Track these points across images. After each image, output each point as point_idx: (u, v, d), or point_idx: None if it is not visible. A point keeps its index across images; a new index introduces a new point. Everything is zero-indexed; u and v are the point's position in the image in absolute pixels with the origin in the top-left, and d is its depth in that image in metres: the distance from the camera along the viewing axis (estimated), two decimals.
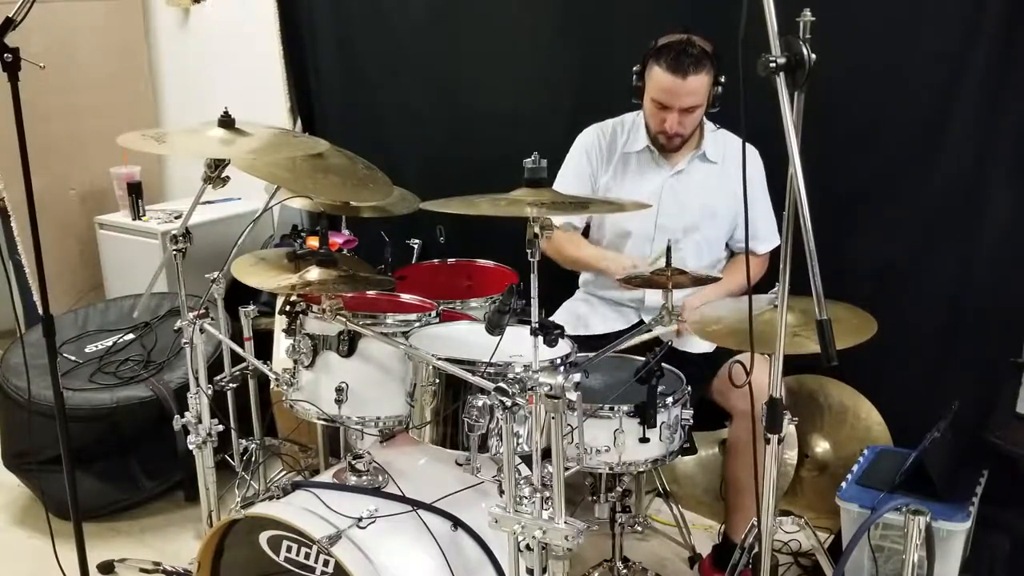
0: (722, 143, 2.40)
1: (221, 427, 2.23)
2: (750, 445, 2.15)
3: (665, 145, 2.37)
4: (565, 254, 2.48)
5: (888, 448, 2.48)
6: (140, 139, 1.86)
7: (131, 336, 3.00)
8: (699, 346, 2.27)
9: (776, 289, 1.51)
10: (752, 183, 2.33)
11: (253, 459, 2.58)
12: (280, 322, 2.26)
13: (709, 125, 2.40)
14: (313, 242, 2.37)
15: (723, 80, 2.25)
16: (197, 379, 2.18)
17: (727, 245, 2.48)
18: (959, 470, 2.23)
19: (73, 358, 2.90)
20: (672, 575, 2.53)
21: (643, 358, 1.95)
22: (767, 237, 2.39)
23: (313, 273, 1.96)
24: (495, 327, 1.59)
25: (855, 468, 2.35)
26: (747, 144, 2.35)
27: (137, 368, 2.88)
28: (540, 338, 1.56)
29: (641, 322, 2.43)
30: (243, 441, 2.53)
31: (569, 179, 2.47)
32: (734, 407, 2.25)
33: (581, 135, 2.52)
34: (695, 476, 2.85)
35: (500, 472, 1.70)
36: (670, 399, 1.92)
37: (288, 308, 2.04)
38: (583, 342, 2.13)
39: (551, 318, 1.63)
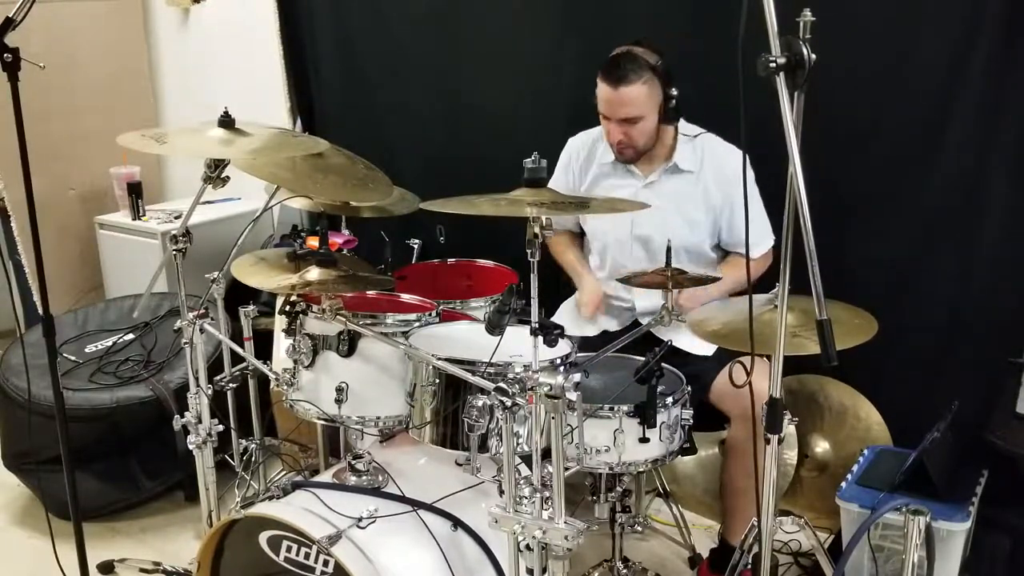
0: (700, 150, 2.37)
1: (221, 427, 2.23)
2: (748, 448, 2.16)
3: (619, 157, 2.37)
4: (551, 251, 2.53)
5: (888, 448, 2.48)
6: (140, 139, 1.87)
7: (131, 336, 3.00)
8: (699, 347, 2.26)
9: (776, 289, 1.51)
10: (738, 186, 2.32)
11: (253, 459, 2.58)
12: (280, 322, 2.26)
13: (686, 133, 2.38)
14: (313, 242, 2.37)
15: (675, 93, 2.24)
16: (197, 379, 2.18)
17: (720, 247, 2.47)
18: (959, 470, 2.23)
19: (73, 358, 2.90)
20: (672, 575, 2.53)
21: (643, 358, 1.95)
22: (758, 241, 2.36)
23: (313, 273, 1.96)
24: (495, 327, 1.60)
25: (855, 468, 2.35)
26: (732, 146, 2.34)
27: (137, 368, 2.88)
28: (540, 338, 1.56)
29: (636, 323, 2.43)
30: (243, 441, 2.53)
31: (557, 187, 2.47)
32: (732, 410, 2.25)
33: (568, 143, 2.54)
34: (695, 476, 2.85)
35: (500, 472, 1.70)
36: (670, 399, 1.92)
37: (288, 308, 2.04)
38: (580, 343, 2.13)
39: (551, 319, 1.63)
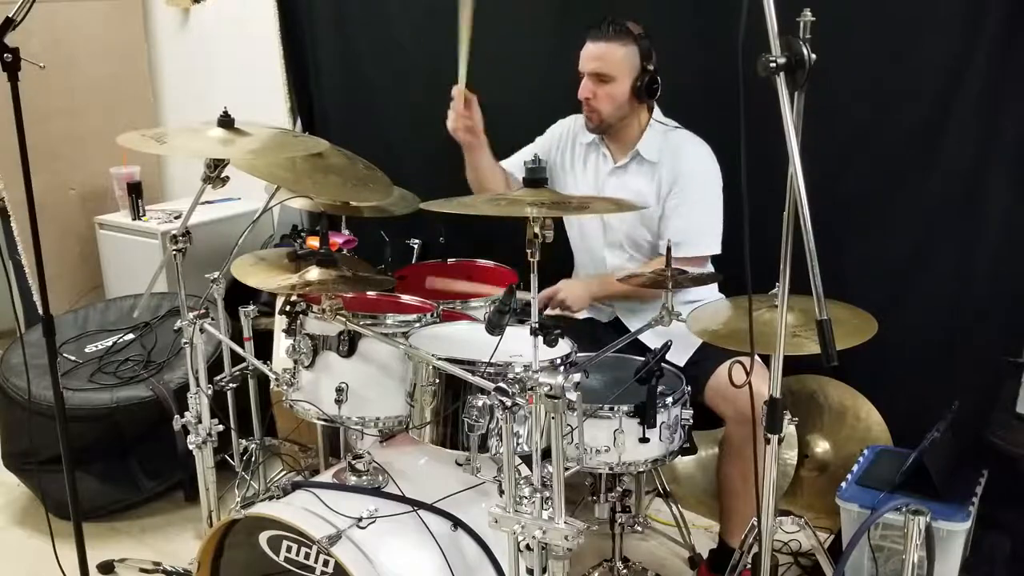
0: (671, 142, 2.36)
1: (221, 427, 2.23)
2: (743, 450, 2.16)
3: (587, 124, 2.39)
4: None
5: (888, 448, 2.48)
6: (140, 139, 1.86)
7: (131, 336, 3.00)
8: (671, 355, 2.22)
9: (775, 289, 1.51)
10: (693, 182, 2.30)
11: (253, 459, 2.58)
12: (280, 322, 2.26)
13: (659, 124, 2.37)
14: (313, 242, 2.37)
15: (652, 68, 2.28)
16: (197, 379, 2.18)
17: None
18: (959, 470, 2.23)
19: (73, 358, 2.90)
20: (672, 575, 2.53)
21: (643, 358, 1.95)
22: (690, 242, 2.26)
23: (313, 273, 1.95)
24: (495, 327, 1.60)
25: (855, 468, 2.35)
26: (700, 143, 2.33)
27: (137, 368, 2.87)
28: (540, 338, 1.56)
29: (617, 319, 2.46)
30: (243, 441, 2.53)
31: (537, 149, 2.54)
32: (726, 412, 2.24)
33: (556, 124, 2.58)
34: (695, 476, 2.85)
35: (500, 472, 1.70)
36: (670, 399, 1.92)
37: (288, 308, 2.04)
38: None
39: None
